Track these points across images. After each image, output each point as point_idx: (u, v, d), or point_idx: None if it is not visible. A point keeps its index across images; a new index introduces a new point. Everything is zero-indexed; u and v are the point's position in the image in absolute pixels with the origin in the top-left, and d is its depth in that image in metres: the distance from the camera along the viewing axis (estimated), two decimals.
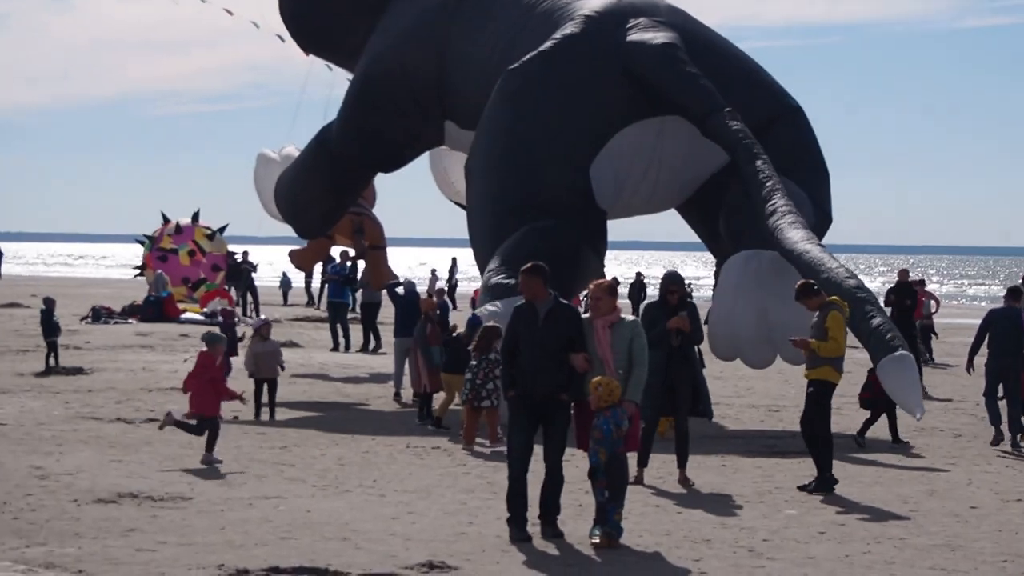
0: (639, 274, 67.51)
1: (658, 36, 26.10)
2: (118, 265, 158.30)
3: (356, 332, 43.86)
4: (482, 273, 26.78)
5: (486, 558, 14.77)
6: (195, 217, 59.41)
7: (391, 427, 25.98)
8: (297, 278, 71.77)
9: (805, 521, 17.17)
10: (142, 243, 58.93)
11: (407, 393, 29.74)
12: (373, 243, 38.55)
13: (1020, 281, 51.19)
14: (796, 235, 23.32)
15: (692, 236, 29.78)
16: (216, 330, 22.64)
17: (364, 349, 42.31)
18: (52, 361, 34.24)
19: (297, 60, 34.85)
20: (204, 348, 22.49)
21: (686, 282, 24.87)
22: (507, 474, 15.90)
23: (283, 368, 28.12)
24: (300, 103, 41.35)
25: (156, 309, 50.56)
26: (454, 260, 75.52)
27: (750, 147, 24.60)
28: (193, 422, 21.63)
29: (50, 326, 34.45)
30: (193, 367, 22.43)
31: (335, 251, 41.98)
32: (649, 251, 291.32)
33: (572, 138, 25.99)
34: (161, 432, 22.82)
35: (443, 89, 29.26)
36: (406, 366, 28.94)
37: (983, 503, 18.62)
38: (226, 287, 57.91)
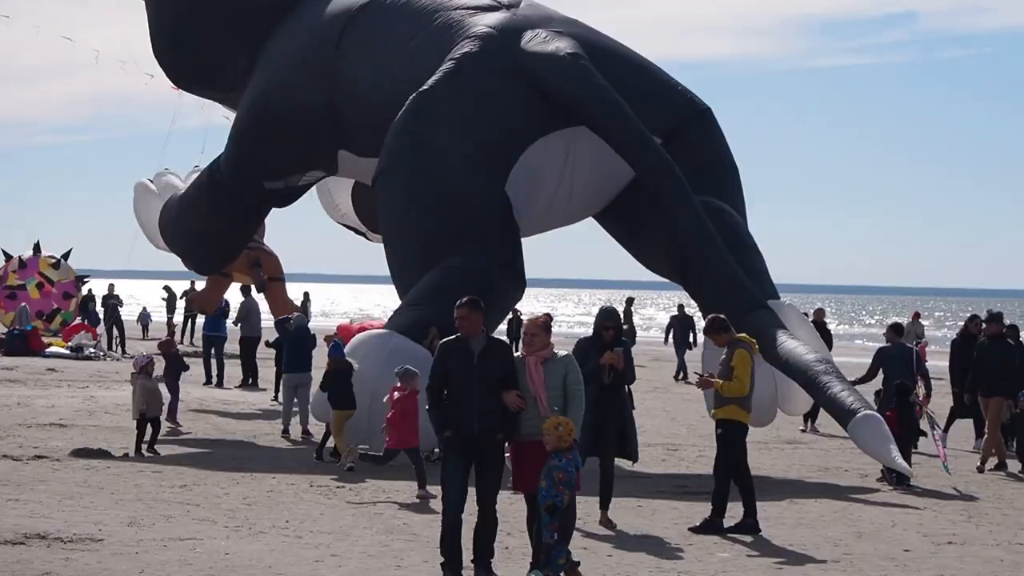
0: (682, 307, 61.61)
1: (560, 46, 25.80)
2: None
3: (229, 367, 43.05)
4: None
5: None
6: (36, 248, 58.73)
7: (289, 464, 25.35)
8: (158, 311, 71.06)
9: (741, 564, 16.85)
10: None
11: (295, 430, 29.47)
12: (271, 275, 37.86)
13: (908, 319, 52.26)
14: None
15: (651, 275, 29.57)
16: (408, 367, 21.65)
17: (244, 384, 41.35)
18: None
19: (140, 91, 34.13)
20: (397, 383, 21.98)
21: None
22: (441, 518, 15.45)
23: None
24: (170, 134, 40.82)
25: (21, 342, 49.52)
26: (306, 294, 74.64)
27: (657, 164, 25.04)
28: (379, 454, 22.00)
29: None
30: (394, 404, 21.85)
31: (234, 287, 40.89)
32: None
33: (484, 159, 25.70)
34: (54, 471, 22.23)
35: (335, 118, 28.62)
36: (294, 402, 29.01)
37: (914, 546, 18.28)
38: (82, 319, 56.91)
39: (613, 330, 19.69)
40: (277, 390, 36.02)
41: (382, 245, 28.33)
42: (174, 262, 35.70)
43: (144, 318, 68.67)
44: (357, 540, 17.82)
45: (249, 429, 31.32)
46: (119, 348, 56.34)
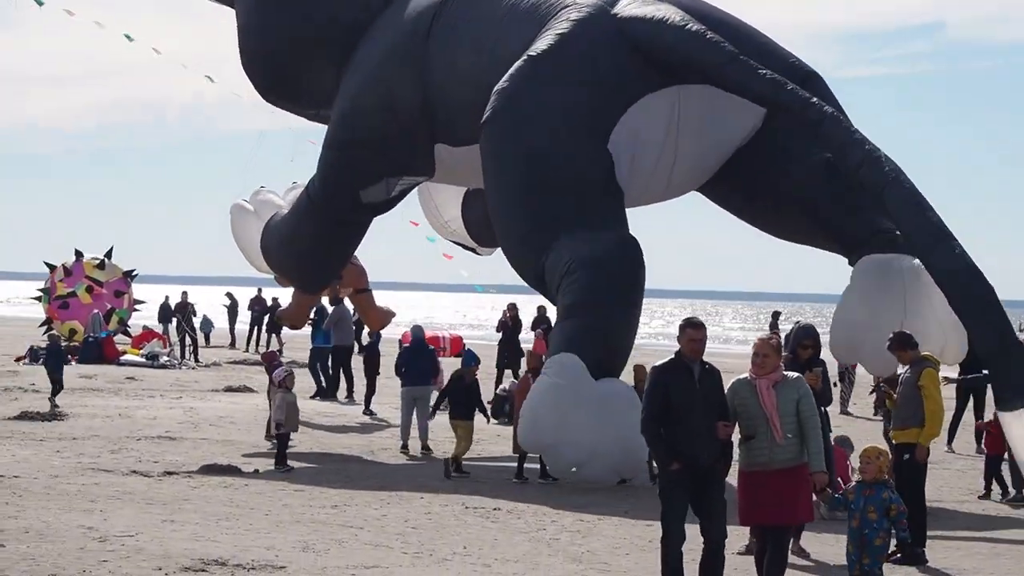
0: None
1: (658, 9, 25.29)
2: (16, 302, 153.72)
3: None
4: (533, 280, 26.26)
5: None
6: (78, 253, 58.74)
7: (429, 483, 24.38)
8: (219, 319, 70.31)
9: None
10: (39, 299, 57.83)
11: (414, 445, 28.85)
12: (357, 287, 37.00)
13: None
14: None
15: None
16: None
17: (338, 395, 40.54)
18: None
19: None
20: None
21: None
22: (663, 553, 14.58)
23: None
24: (259, 145, 40.67)
25: (96, 350, 48.76)
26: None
27: (782, 86, 23.84)
28: None
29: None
30: None
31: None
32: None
33: (588, 116, 25.34)
34: (192, 489, 22.03)
35: (429, 111, 28.19)
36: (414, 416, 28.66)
37: None
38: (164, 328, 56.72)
39: (812, 349, 18.84)
40: (368, 403, 36.15)
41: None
42: (217, 268, 35.01)
43: (206, 326, 67.78)
44: (549, 570, 16.96)
45: (364, 444, 30.41)
46: (192, 357, 55.33)
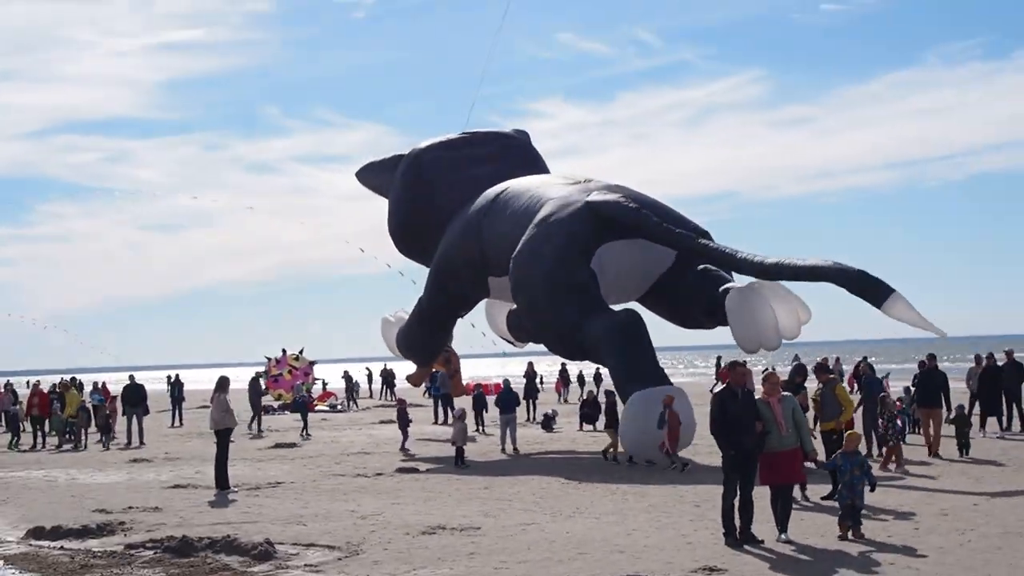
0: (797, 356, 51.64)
1: (616, 195, 25.51)
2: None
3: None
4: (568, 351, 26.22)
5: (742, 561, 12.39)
6: (283, 351, 58.86)
7: (532, 469, 23.19)
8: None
9: None
10: (262, 375, 57.37)
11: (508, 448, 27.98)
12: (455, 368, 38.27)
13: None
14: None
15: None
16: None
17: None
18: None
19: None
20: None
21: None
22: (722, 504, 13.73)
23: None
24: (401, 281, 41.52)
25: (302, 405, 47.68)
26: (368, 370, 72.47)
27: (689, 238, 24.44)
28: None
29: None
30: None
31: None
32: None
33: (576, 253, 24.97)
34: (397, 483, 20.70)
35: (484, 258, 28.24)
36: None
37: None
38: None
39: (801, 378, 18.16)
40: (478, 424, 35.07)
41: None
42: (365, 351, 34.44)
43: (357, 387, 67.10)
44: (635, 516, 15.86)
45: (476, 448, 29.04)
46: (355, 405, 54.49)
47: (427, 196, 31.01)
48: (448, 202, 30.45)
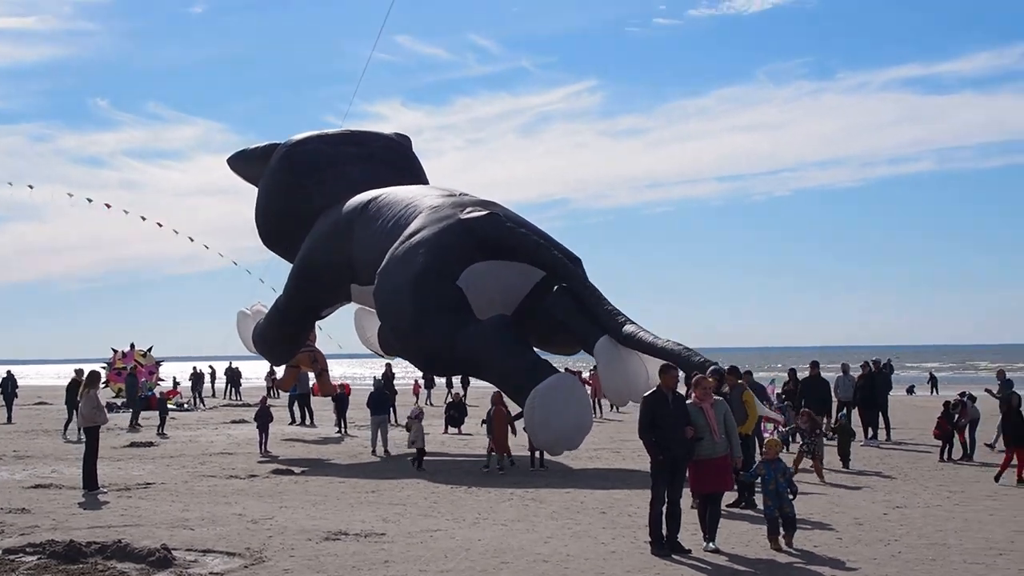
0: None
1: (491, 214, 24.95)
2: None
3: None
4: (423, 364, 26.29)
5: None
6: (132, 345, 56.57)
7: (408, 472, 22.43)
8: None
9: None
10: (105, 367, 55.02)
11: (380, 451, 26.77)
12: (323, 368, 37.07)
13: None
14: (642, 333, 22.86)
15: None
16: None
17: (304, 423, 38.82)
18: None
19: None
20: None
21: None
22: (651, 510, 13.24)
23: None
24: (263, 276, 40.50)
25: (144, 402, 45.72)
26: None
27: (561, 262, 24.33)
28: None
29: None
30: None
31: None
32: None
33: (440, 270, 24.21)
34: (295, 483, 19.42)
35: (350, 264, 27.57)
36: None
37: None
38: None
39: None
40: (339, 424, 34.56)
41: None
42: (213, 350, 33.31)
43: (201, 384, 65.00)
44: (537, 523, 15.21)
45: (343, 451, 28.14)
46: (202, 403, 52.82)
47: (298, 188, 30.12)
48: (320, 197, 29.64)
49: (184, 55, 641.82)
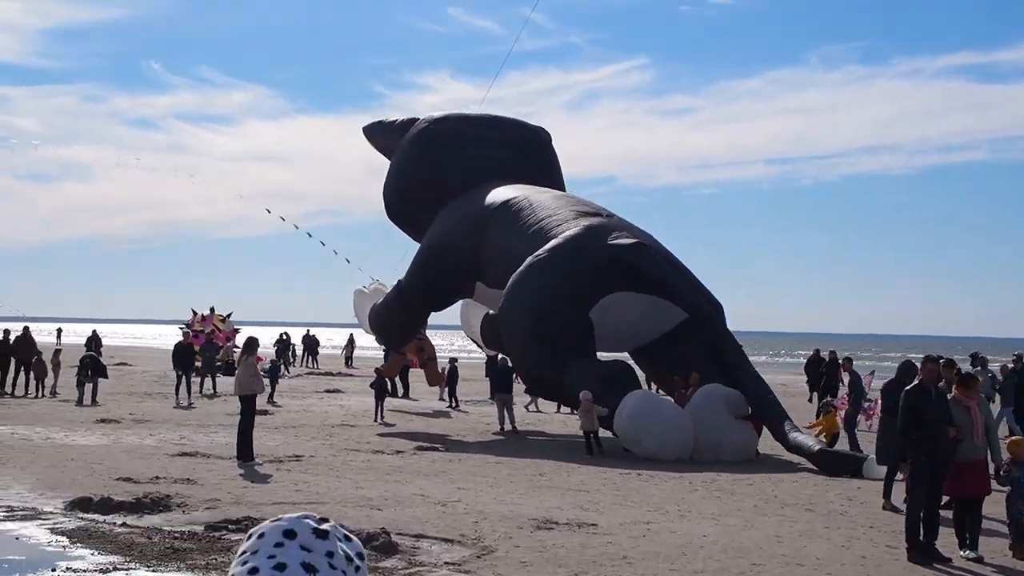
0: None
1: (633, 239, 24.02)
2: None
3: None
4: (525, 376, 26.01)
5: None
6: (212, 309, 54.97)
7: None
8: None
9: None
10: (184, 327, 54.51)
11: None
12: (429, 356, 35.88)
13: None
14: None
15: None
16: None
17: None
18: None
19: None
20: None
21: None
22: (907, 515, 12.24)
23: None
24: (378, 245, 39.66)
25: (229, 368, 44.94)
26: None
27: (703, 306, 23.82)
28: None
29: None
30: None
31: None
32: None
33: (573, 296, 23.47)
34: (404, 460, 18.56)
35: (478, 261, 26.67)
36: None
37: None
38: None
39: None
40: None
41: None
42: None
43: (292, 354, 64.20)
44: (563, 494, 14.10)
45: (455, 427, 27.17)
46: (286, 371, 51.98)
47: (433, 165, 29.15)
48: (454, 177, 28.72)
49: (237, 20, 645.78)
